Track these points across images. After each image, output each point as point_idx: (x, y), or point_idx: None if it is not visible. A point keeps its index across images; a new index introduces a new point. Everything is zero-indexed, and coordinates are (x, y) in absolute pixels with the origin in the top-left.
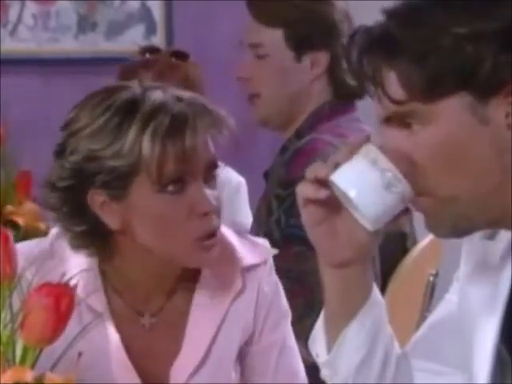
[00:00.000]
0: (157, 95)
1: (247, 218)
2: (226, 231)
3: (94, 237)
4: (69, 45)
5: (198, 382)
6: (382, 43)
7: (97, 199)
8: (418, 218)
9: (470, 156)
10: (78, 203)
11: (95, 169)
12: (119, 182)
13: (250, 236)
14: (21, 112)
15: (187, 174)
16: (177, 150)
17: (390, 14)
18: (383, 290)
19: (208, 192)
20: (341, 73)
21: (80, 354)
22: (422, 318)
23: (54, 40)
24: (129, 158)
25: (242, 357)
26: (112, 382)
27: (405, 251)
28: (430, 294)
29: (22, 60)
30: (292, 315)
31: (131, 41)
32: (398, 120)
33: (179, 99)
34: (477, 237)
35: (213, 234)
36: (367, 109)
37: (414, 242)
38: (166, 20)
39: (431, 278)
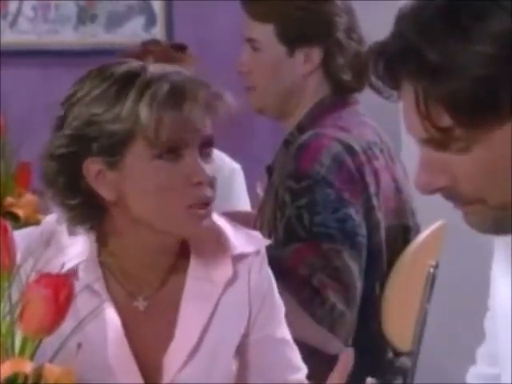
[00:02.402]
0: (156, 68)
1: (243, 205)
2: (220, 220)
3: (89, 211)
4: (69, 36)
5: (193, 369)
6: (419, 67)
7: (93, 168)
8: (419, 210)
9: None
10: (74, 173)
11: (95, 133)
12: (117, 148)
13: (243, 227)
14: (20, 103)
15: (183, 143)
16: (174, 117)
17: (417, 31)
18: (384, 281)
19: (203, 164)
20: (335, 68)
21: (79, 345)
22: (422, 309)
23: (53, 32)
24: (127, 122)
25: (239, 349)
26: (109, 366)
27: (406, 244)
28: (431, 286)
29: (21, 52)
30: (334, 311)
31: (131, 33)
32: (439, 143)
33: (179, 72)
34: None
35: (206, 204)
36: (367, 101)
37: (417, 235)
38: (165, 12)
39: (431, 270)
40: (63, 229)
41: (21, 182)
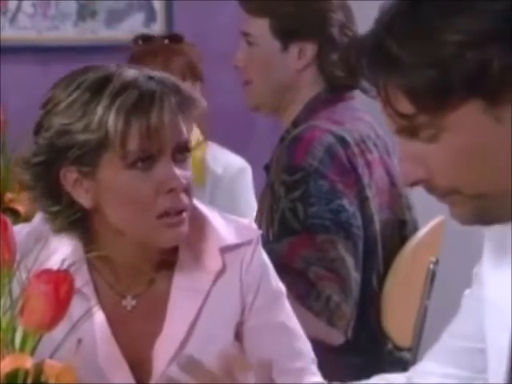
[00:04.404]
0: (128, 73)
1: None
2: (208, 212)
3: (70, 218)
4: (68, 33)
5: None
6: (383, 61)
7: (69, 176)
8: (418, 206)
9: (491, 155)
10: (52, 181)
11: (67, 143)
12: (90, 158)
13: (235, 217)
14: (20, 100)
15: (155, 151)
16: (141, 127)
17: (386, 28)
18: (383, 277)
19: (177, 171)
20: (328, 64)
21: (80, 341)
22: (422, 305)
23: (53, 28)
24: (97, 133)
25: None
26: (99, 367)
27: (403, 239)
28: (431, 282)
29: (21, 48)
30: (330, 303)
31: (131, 29)
32: (409, 132)
33: (150, 77)
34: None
35: (180, 211)
36: (366, 97)
37: (415, 230)
38: (165, 8)
39: (431, 266)
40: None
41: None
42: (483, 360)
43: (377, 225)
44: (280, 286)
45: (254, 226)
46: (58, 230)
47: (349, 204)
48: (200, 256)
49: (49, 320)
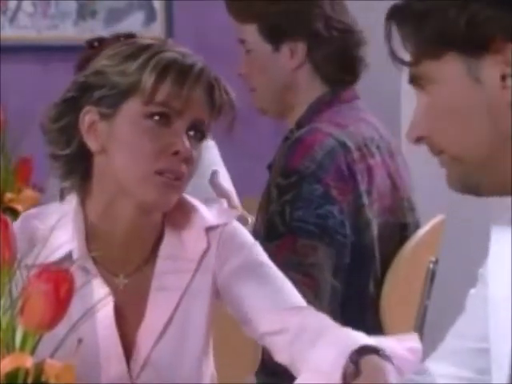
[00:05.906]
0: (180, 46)
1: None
2: (192, 199)
3: (76, 164)
4: (68, 32)
5: (164, 346)
6: (397, 13)
7: (88, 118)
8: (419, 205)
9: (469, 116)
10: (71, 121)
11: (99, 82)
12: (115, 100)
13: (215, 204)
14: (20, 99)
15: (175, 113)
16: (174, 85)
17: None
18: (382, 278)
19: (187, 141)
20: (321, 60)
21: (80, 341)
22: (422, 305)
23: (53, 27)
24: (131, 77)
25: (226, 299)
26: (94, 337)
27: (404, 241)
28: (430, 282)
29: (21, 47)
30: None
31: (131, 28)
32: (415, 83)
33: (201, 60)
34: (505, 222)
35: (178, 177)
36: (368, 94)
37: (417, 231)
38: (165, 8)
39: (431, 266)
40: (44, 224)
41: (21, 178)
42: (487, 361)
43: (374, 230)
44: (251, 240)
45: (234, 209)
46: (62, 177)
47: (338, 211)
48: (186, 238)
49: (49, 319)
